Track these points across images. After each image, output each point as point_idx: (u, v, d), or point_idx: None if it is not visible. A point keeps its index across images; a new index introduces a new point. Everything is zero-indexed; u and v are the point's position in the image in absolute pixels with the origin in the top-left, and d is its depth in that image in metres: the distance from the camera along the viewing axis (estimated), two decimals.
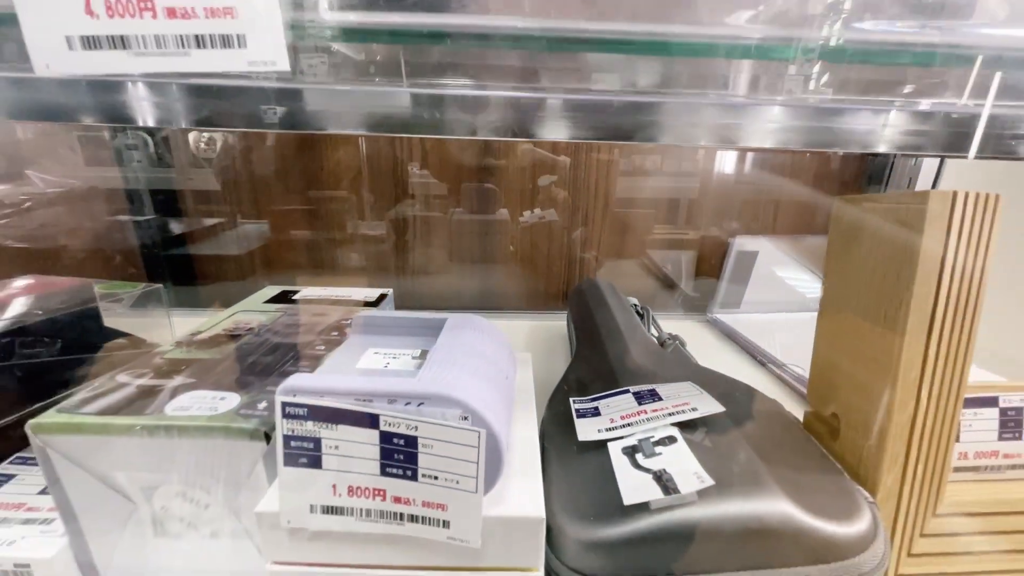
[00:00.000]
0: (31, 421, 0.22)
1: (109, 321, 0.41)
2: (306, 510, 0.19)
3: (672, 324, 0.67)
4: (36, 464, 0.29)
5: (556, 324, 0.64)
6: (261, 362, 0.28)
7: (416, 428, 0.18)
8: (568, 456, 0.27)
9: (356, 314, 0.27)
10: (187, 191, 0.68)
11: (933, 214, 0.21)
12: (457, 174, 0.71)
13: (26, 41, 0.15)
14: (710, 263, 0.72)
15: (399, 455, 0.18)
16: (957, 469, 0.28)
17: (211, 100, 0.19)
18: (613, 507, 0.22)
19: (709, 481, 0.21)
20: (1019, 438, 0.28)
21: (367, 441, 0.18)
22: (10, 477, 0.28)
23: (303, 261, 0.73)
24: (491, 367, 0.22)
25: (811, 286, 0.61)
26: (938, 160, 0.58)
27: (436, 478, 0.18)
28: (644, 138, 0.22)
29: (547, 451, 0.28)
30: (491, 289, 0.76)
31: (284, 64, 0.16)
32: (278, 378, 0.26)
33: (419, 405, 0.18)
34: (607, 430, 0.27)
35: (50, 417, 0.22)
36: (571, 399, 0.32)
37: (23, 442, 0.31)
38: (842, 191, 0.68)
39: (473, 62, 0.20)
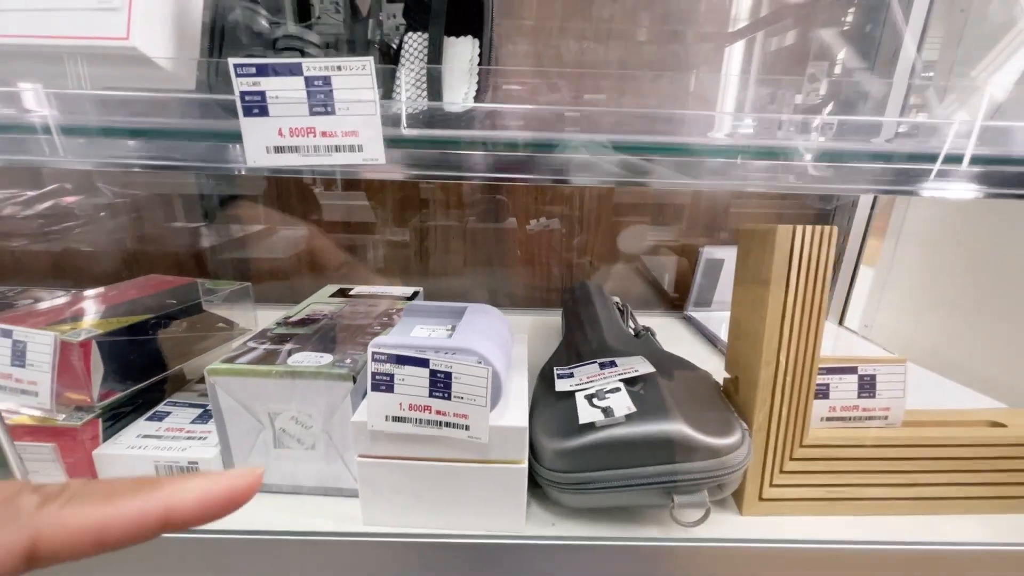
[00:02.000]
0: (209, 367, 0.35)
1: (208, 309, 0.54)
2: (383, 419, 0.32)
3: (653, 320, 0.79)
4: (183, 405, 0.43)
5: (553, 319, 0.77)
6: (340, 336, 0.41)
7: (451, 367, 0.30)
8: (549, 403, 0.39)
9: (407, 304, 0.40)
10: (243, 203, 0.81)
11: (779, 241, 0.33)
12: (471, 188, 0.83)
13: (245, 147, 0.28)
14: (690, 267, 0.83)
15: (440, 384, 0.31)
16: (828, 419, 0.40)
17: None
18: (573, 429, 0.34)
19: (633, 409, 0.33)
20: (874, 396, 0.40)
21: (421, 376, 0.31)
22: (168, 413, 0.41)
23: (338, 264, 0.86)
24: (497, 335, 0.35)
25: None
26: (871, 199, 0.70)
27: (462, 398, 0.31)
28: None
29: (536, 403, 0.40)
30: (499, 289, 0.88)
31: (383, 159, 0.28)
32: (354, 346, 0.39)
33: (453, 354, 0.31)
34: (576, 385, 0.39)
35: (220, 365, 0.35)
36: (555, 368, 0.44)
37: (163, 394, 0.45)
38: (801, 205, 0.80)
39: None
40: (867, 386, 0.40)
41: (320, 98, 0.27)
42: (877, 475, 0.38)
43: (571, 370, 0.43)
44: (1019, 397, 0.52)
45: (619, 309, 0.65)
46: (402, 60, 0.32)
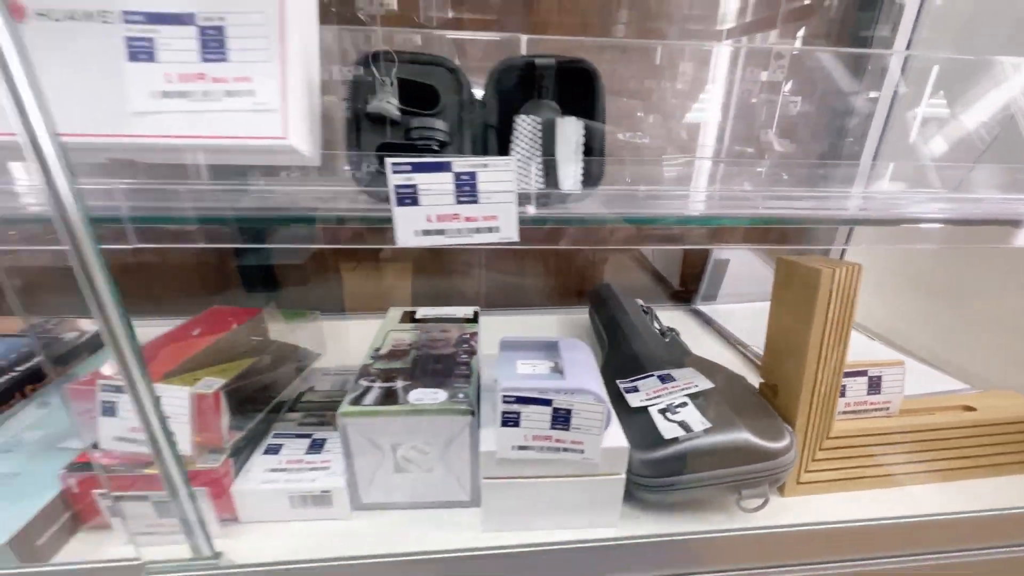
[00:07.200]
0: (341, 409, 0.39)
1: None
2: (509, 449, 0.38)
3: (663, 315, 0.86)
4: (291, 437, 0.47)
5: (566, 317, 0.83)
6: (437, 369, 0.46)
7: (572, 405, 0.36)
8: (625, 415, 0.46)
9: (502, 338, 0.45)
10: None
11: (823, 283, 0.40)
12: None
13: (396, 230, 0.32)
14: (695, 261, 0.91)
15: (561, 419, 0.37)
16: (844, 413, 0.49)
17: None
18: (657, 441, 0.41)
19: (707, 424, 0.41)
20: (879, 393, 0.49)
21: (545, 413, 0.37)
22: (280, 446, 0.45)
23: None
24: (594, 369, 0.41)
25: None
26: None
27: (579, 428, 0.37)
28: None
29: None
30: (516, 288, 0.93)
31: (516, 237, 0.33)
32: (453, 379, 0.44)
33: (572, 395, 0.37)
34: (646, 399, 0.46)
35: (350, 408, 0.40)
36: (617, 381, 0.51)
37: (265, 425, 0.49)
38: None
39: None
40: (874, 385, 0.49)
41: (466, 189, 0.32)
42: (884, 456, 0.47)
43: (634, 383, 0.50)
44: (971, 376, 0.64)
45: (644, 311, 0.72)
46: (513, 142, 0.36)
